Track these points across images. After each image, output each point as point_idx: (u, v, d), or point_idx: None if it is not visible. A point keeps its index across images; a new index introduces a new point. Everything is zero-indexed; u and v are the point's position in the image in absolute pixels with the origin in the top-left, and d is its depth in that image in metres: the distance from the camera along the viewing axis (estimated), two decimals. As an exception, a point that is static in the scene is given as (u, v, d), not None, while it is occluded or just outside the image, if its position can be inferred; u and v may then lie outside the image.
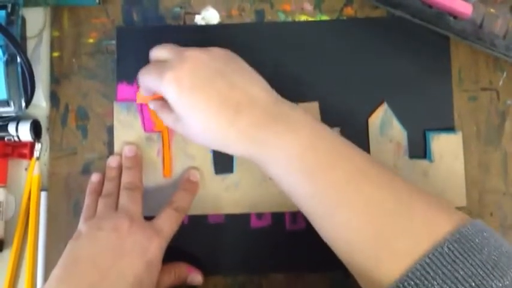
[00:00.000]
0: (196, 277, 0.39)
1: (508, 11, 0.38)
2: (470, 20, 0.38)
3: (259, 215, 0.40)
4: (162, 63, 0.34)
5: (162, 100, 0.36)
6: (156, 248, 0.35)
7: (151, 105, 0.39)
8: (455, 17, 0.38)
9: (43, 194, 0.41)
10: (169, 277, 0.37)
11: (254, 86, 0.33)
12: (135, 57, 0.41)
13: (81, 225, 0.37)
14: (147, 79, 0.36)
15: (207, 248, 0.40)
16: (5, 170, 0.41)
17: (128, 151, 0.40)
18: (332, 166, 0.31)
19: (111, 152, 0.41)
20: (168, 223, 0.36)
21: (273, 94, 0.34)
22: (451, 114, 0.41)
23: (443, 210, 0.30)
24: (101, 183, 0.40)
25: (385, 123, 0.40)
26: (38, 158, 0.41)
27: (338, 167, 0.31)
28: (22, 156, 0.41)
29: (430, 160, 0.40)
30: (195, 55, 0.33)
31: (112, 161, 0.40)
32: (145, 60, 0.38)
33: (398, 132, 0.40)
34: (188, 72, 0.32)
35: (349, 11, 0.42)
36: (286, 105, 0.34)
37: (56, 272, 0.33)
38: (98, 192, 0.39)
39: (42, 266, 0.40)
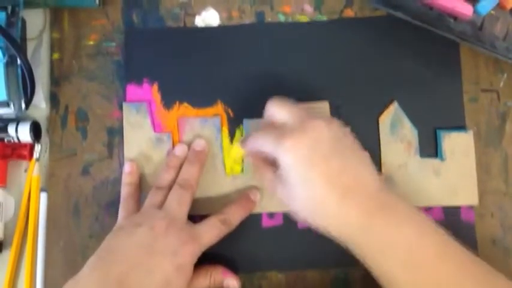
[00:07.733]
0: (232, 281, 0.38)
1: (508, 13, 0.38)
2: (471, 22, 0.38)
3: (271, 215, 0.40)
4: (281, 128, 0.34)
5: (262, 156, 0.36)
6: (187, 253, 0.34)
7: (251, 160, 0.39)
8: (455, 19, 0.38)
9: (43, 195, 0.41)
10: (205, 279, 0.37)
11: (365, 169, 0.33)
12: (144, 58, 0.42)
13: (122, 220, 0.37)
14: (263, 141, 0.35)
15: (217, 245, 0.39)
16: (5, 171, 0.41)
17: (196, 144, 0.40)
18: (438, 262, 0.31)
19: (111, 153, 0.41)
20: (209, 233, 0.36)
21: (380, 179, 0.33)
22: (461, 113, 0.41)
23: None
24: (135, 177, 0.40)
25: (395, 122, 0.40)
26: (37, 159, 0.41)
27: (444, 264, 0.31)
28: (22, 157, 0.41)
29: (442, 159, 0.40)
30: (317, 127, 0.33)
31: (178, 150, 0.40)
32: (154, 62, 0.41)
33: (409, 131, 0.40)
34: (308, 144, 0.32)
35: (349, 13, 0.42)
36: (392, 194, 0.33)
37: (91, 260, 0.34)
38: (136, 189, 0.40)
39: (42, 267, 0.40)
